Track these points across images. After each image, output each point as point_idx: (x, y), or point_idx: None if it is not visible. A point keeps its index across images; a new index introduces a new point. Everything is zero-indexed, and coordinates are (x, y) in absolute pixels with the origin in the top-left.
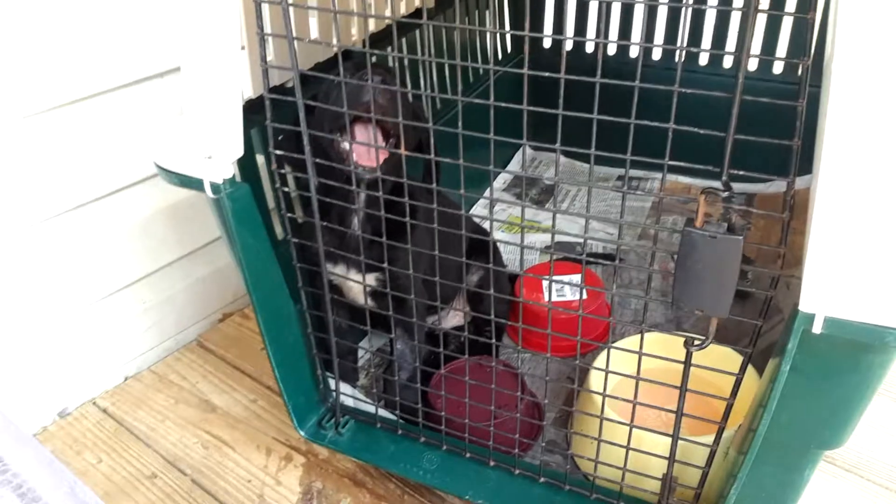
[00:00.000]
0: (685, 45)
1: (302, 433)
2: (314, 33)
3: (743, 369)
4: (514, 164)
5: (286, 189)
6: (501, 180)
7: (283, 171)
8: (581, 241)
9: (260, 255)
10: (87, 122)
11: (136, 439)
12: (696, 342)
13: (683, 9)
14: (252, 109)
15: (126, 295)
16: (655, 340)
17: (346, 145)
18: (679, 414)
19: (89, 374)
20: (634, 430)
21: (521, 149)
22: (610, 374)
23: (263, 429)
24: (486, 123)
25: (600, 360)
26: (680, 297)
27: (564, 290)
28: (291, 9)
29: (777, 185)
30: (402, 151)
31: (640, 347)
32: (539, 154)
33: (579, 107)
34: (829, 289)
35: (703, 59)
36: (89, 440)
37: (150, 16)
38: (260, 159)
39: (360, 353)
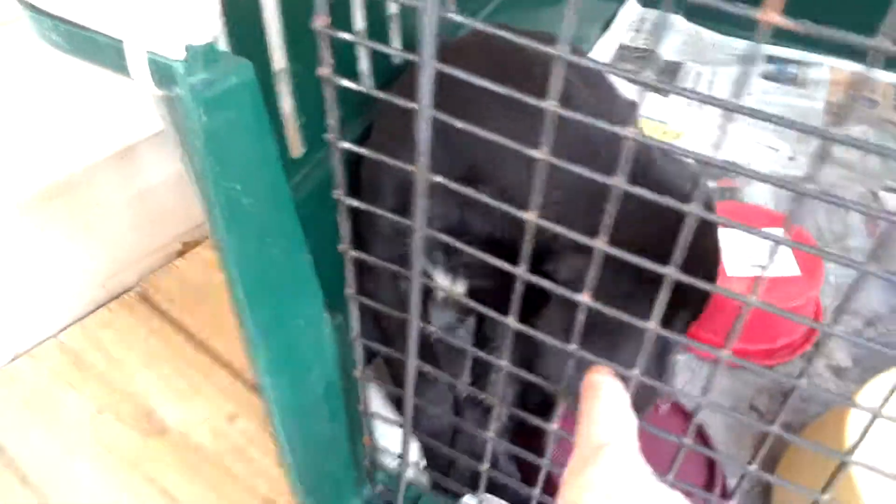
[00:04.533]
0: None
1: None
2: None
3: None
4: (618, 28)
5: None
6: (600, 51)
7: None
8: (737, 160)
9: (270, 230)
10: None
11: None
12: None
13: None
14: None
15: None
16: None
17: None
18: None
19: None
20: None
21: (623, 4)
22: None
23: (249, 478)
24: None
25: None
26: None
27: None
28: None
29: None
30: None
31: None
32: (648, 13)
33: None
34: None
35: None
36: None
37: None
38: None
39: None
